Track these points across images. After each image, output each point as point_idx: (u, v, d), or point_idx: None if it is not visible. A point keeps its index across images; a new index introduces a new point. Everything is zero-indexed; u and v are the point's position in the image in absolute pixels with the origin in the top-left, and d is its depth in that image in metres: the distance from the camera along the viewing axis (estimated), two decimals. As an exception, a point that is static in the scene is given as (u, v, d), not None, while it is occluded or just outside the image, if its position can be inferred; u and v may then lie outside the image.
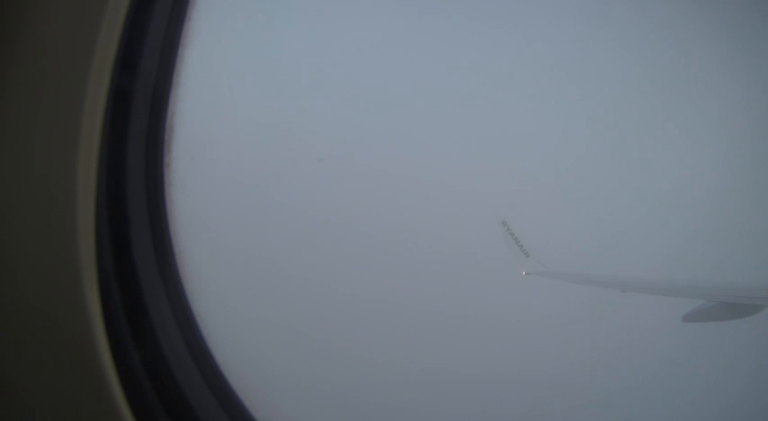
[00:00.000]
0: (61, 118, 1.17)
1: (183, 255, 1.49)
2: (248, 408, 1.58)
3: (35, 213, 1.18)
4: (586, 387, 12.12)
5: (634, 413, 11.95)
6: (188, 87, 1.45)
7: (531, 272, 13.30)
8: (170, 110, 1.43)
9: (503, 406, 11.70)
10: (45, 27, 1.17)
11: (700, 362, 12.33)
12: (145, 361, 1.36)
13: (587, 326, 13.29)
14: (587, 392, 12.01)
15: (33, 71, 1.17)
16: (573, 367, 12.44)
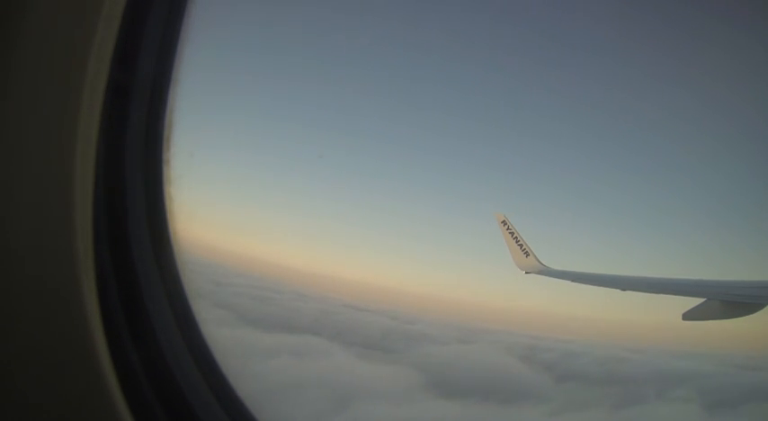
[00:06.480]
0: (59, 114, 1.16)
1: (181, 254, 1.48)
2: (248, 408, 1.58)
3: (32, 211, 1.17)
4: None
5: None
6: (187, 84, 1.44)
7: (532, 271, 13.31)
8: (169, 106, 1.42)
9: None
10: (43, 22, 1.15)
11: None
12: (143, 360, 1.35)
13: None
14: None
15: (30, 67, 1.16)
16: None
